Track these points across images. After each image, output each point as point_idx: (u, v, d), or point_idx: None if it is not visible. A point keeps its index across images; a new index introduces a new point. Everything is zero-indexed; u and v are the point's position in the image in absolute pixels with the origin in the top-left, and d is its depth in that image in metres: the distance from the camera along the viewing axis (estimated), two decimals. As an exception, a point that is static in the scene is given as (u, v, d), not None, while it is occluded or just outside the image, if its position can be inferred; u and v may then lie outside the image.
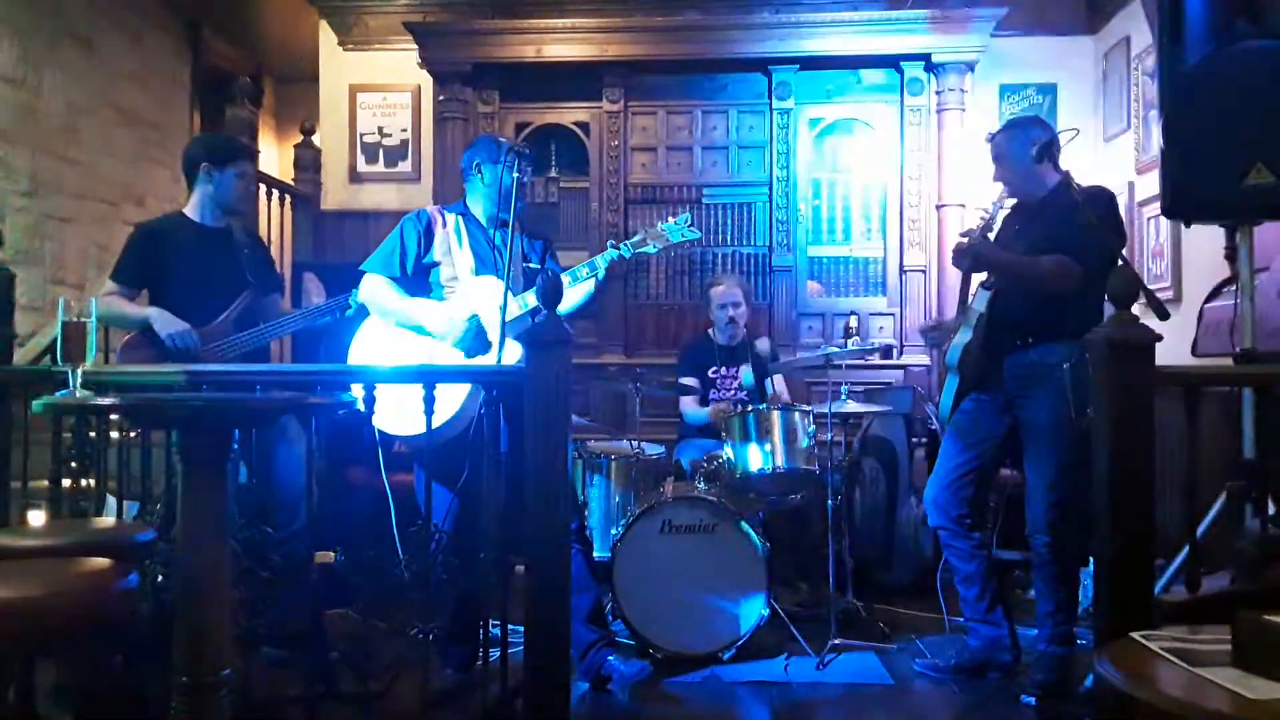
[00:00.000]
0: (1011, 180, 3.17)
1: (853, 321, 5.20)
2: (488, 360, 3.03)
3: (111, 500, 2.85)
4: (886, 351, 5.21)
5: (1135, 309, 2.45)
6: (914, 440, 4.79)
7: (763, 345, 4.40)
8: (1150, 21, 2.97)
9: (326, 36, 6.21)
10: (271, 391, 2.60)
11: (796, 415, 3.71)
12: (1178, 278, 4.66)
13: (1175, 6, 2.84)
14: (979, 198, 5.04)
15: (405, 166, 6.14)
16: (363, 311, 3.29)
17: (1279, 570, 2.44)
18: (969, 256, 3.09)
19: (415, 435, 2.82)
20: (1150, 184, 4.68)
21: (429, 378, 2.61)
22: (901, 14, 5.27)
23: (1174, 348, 3.25)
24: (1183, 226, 4.24)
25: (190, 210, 3.47)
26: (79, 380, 2.21)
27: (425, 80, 5.74)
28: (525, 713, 2.47)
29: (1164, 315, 2.70)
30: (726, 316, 4.38)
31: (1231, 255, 3.11)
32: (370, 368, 3.09)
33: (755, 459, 3.62)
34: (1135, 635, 1.53)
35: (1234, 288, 3.08)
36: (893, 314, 5.35)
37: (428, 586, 2.52)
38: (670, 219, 3.36)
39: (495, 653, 2.59)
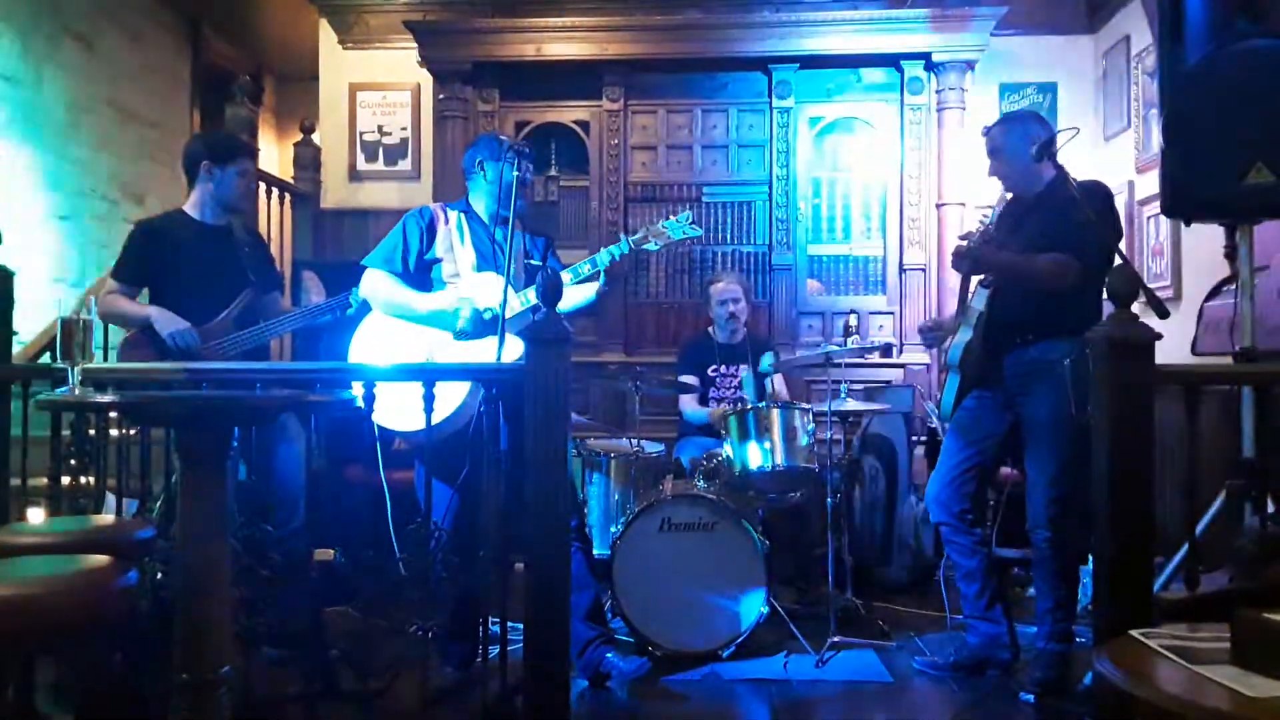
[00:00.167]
0: (1008, 175, 3.16)
1: (852, 320, 5.18)
2: (489, 353, 3.02)
3: (111, 498, 2.85)
4: (886, 350, 5.21)
5: (1135, 307, 2.45)
6: (913, 438, 4.79)
7: (768, 360, 4.40)
8: (1150, 20, 2.97)
9: (326, 35, 6.21)
10: (271, 389, 2.60)
11: (796, 413, 3.71)
12: (1178, 276, 4.66)
13: (1175, 6, 2.84)
14: (979, 197, 5.05)
15: (405, 165, 6.14)
16: (364, 309, 3.30)
17: (1278, 569, 2.44)
18: (968, 260, 3.09)
19: (416, 431, 2.82)
20: (1150, 183, 4.68)
21: (429, 375, 2.61)
22: (902, 13, 5.27)
23: (1174, 347, 3.25)
24: (1182, 225, 4.25)
25: (190, 208, 3.47)
26: (78, 378, 2.21)
27: (425, 79, 5.73)
28: (525, 710, 2.47)
29: (1164, 314, 2.71)
30: (726, 313, 4.39)
31: (1231, 254, 3.11)
32: (370, 366, 3.09)
33: (755, 457, 3.62)
34: (1134, 633, 1.53)
35: (1234, 286, 3.08)
36: (892, 312, 5.35)
37: (427, 584, 2.52)
38: (671, 217, 3.36)
39: (495, 650, 2.59)
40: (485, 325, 3.09)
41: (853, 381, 4.12)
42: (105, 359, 4.19)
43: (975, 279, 3.20)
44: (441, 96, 5.51)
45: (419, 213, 3.27)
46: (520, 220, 3.20)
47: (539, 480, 2.47)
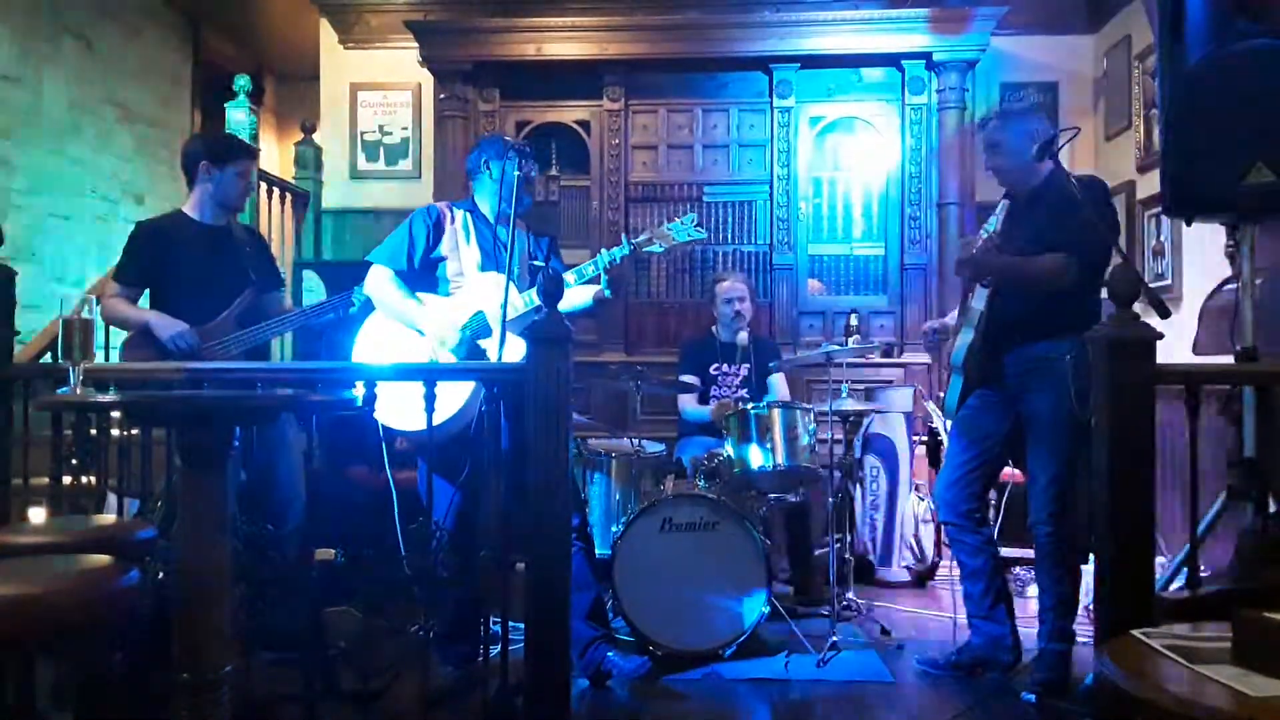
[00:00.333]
0: (1006, 170, 3.15)
1: (853, 320, 5.20)
2: (489, 355, 3.03)
3: (112, 497, 2.86)
4: (887, 350, 5.21)
5: (1136, 307, 2.45)
6: (914, 438, 4.79)
7: (777, 378, 4.41)
8: (1151, 20, 2.96)
9: (327, 34, 6.20)
10: (272, 389, 2.60)
11: (797, 413, 3.71)
12: (1179, 276, 4.66)
13: (1176, 5, 2.84)
14: (979, 197, 5.05)
15: (406, 165, 6.14)
16: (367, 307, 3.30)
17: (1279, 569, 2.44)
18: (969, 268, 3.08)
19: (418, 430, 2.82)
20: (1151, 182, 4.68)
21: (430, 375, 2.61)
22: (902, 13, 5.26)
23: (1174, 346, 3.25)
24: (1183, 225, 4.24)
25: (190, 209, 3.47)
26: (79, 377, 2.21)
27: (426, 78, 5.74)
28: (526, 710, 2.47)
29: (1165, 314, 2.71)
30: (732, 311, 4.39)
31: (1232, 254, 3.10)
32: (371, 365, 3.10)
33: (756, 457, 3.62)
34: (1136, 633, 1.53)
35: (1235, 286, 3.07)
36: (893, 312, 5.35)
37: (428, 584, 2.52)
38: (676, 218, 3.35)
39: (495, 650, 2.59)
40: (479, 351, 3.10)
41: (854, 381, 4.11)
42: (106, 359, 4.20)
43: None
44: (442, 96, 5.51)
45: (426, 211, 3.28)
46: (524, 220, 3.21)
47: (540, 480, 2.47)
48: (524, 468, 2.49)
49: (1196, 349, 3.78)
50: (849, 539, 3.88)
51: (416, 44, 5.50)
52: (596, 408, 5.19)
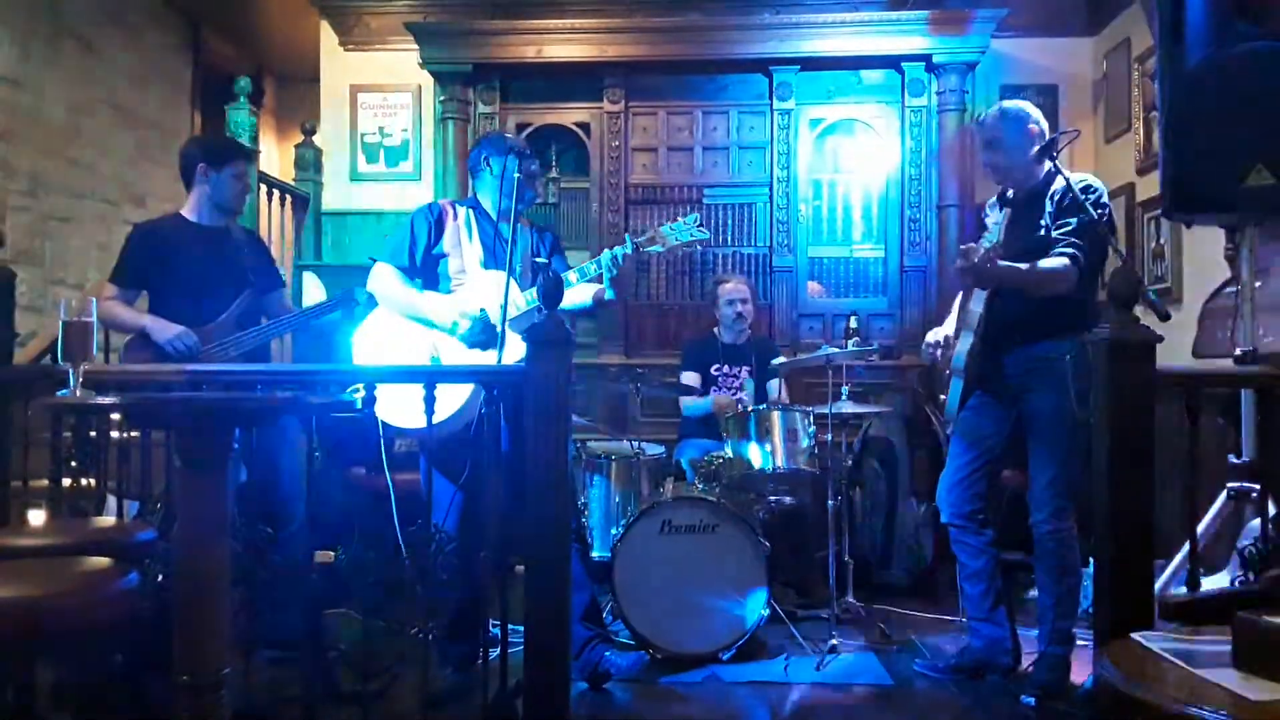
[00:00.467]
0: (1004, 168, 3.14)
1: (853, 322, 5.20)
2: (493, 351, 3.02)
3: (112, 499, 2.85)
4: (887, 352, 5.21)
5: (1135, 309, 2.45)
6: (914, 441, 4.79)
7: (776, 380, 4.42)
8: (1151, 22, 2.96)
9: (327, 36, 6.21)
10: (272, 391, 2.59)
11: (797, 416, 3.71)
12: (1178, 278, 4.66)
13: (1176, 8, 2.84)
14: (979, 199, 5.05)
15: (406, 166, 6.14)
16: (370, 304, 3.29)
17: (1279, 570, 2.44)
18: (970, 277, 3.06)
19: (419, 429, 2.81)
20: (1151, 185, 4.68)
21: (430, 377, 2.60)
22: (902, 15, 5.27)
23: (1174, 348, 3.25)
24: (1183, 227, 4.24)
25: (188, 211, 3.48)
26: (79, 380, 2.21)
27: (426, 80, 5.74)
28: (525, 712, 2.47)
29: (1164, 316, 2.71)
30: (734, 313, 4.39)
31: (1232, 256, 3.11)
32: (371, 367, 3.10)
33: (755, 459, 3.62)
34: (1135, 636, 1.53)
35: (1234, 289, 3.07)
36: (893, 315, 5.35)
37: (428, 585, 2.52)
38: (679, 218, 3.34)
39: (495, 652, 2.59)
40: (488, 335, 3.08)
41: (853, 384, 4.11)
42: (106, 361, 4.20)
43: None
44: (442, 98, 5.51)
45: (428, 208, 3.27)
46: (528, 218, 3.21)
47: (539, 482, 2.47)
48: (523, 470, 2.49)
49: (1196, 351, 3.78)
50: (848, 542, 3.88)
51: (416, 46, 5.51)
52: (596, 410, 5.19)
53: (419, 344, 3.13)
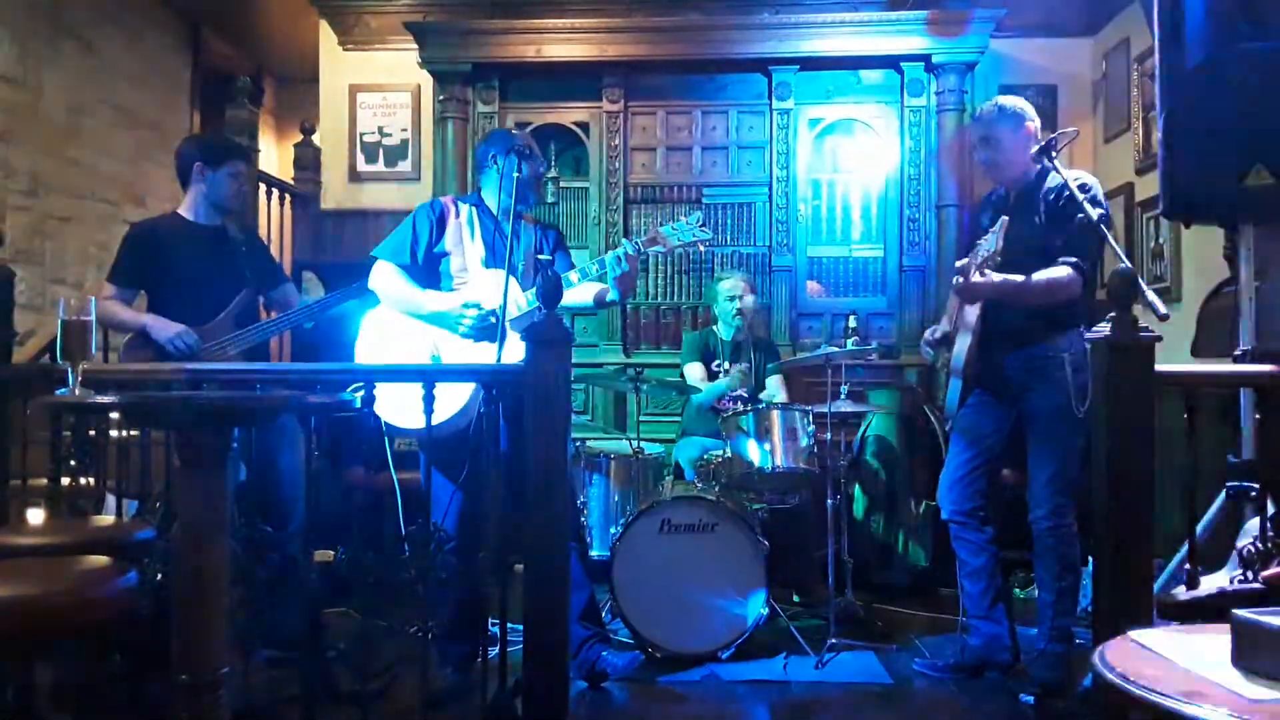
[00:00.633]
0: (1001, 166, 3.13)
1: (852, 321, 5.19)
2: (493, 350, 3.00)
3: (111, 498, 2.85)
4: (886, 351, 5.21)
5: (1135, 309, 2.45)
6: (913, 440, 4.79)
7: (775, 379, 4.41)
8: (1150, 23, 2.96)
9: (327, 36, 6.21)
10: (271, 390, 2.59)
11: (796, 415, 3.71)
12: (1178, 278, 4.67)
13: (1175, 8, 2.84)
14: (978, 198, 5.04)
15: (405, 166, 6.14)
16: (372, 301, 3.28)
17: (1278, 570, 2.44)
18: (966, 295, 3.05)
19: (419, 429, 2.81)
20: (1150, 185, 4.68)
21: (430, 376, 2.60)
22: (901, 15, 5.26)
23: (1174, 348, 3.25)
24: (1182, 227, 4.24)
25: (185, 210, 3.48)
26: (78, 379, 2.21)
27: (425, 80, 5.73)
28: (525, 712, 2.47)
29: (1163, 316, 2.70)
30: (734, 309, 4.39)
31: (1231, 256, 3.11)
32: (371, 366, 3.09)
33: (755, 458, 3.62)
34: (1134, 634, 1.53)
35: (1234, 289, 3.07)
36: (892, 314, 5.35)
37: (428, 585, 2.52)
38: (682, 218, 3.32)
39: (494, 651, 2.59)
40: (491, 329, 3.07)
41: (853, 383, 4.11)
42: (105, 360, 4.20)
43: None
44: (441, 98, 5.51)
45: (430, 205, 3.25)
46: (533, 215, 3.21)
47: (539, 481, 2.47)
48: (523, 469, 2.49)
49: (1195, 351, 3.78)
50: (847, 541, 3.88)
51: (416, 45, 5.50)
52: (595, 408, 5.20)
53: (420, 343, 3.12)
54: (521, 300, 3.06)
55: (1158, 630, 1.55)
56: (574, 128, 5.52)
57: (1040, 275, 2.93)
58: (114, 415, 2.78)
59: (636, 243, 3.19)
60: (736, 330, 4.45)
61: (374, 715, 2.58)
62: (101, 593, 1.81)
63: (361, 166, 6.16)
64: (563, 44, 5.38)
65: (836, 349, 3.79)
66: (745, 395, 4.30)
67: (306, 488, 2.90)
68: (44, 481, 2.89)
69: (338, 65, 6.18)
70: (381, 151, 6.15)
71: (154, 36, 6.58)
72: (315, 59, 6.26)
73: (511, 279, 3.02)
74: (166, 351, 3.25)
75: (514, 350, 2.90)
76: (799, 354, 5.00)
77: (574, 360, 2.61)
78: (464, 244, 3.19)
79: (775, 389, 4.41)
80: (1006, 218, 2.99)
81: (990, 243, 2.97)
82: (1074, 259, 2.91)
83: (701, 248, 3.32)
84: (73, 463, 2.85)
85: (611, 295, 3.19)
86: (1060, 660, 3.01)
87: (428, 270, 3.20)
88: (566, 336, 2.52)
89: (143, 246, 3.40)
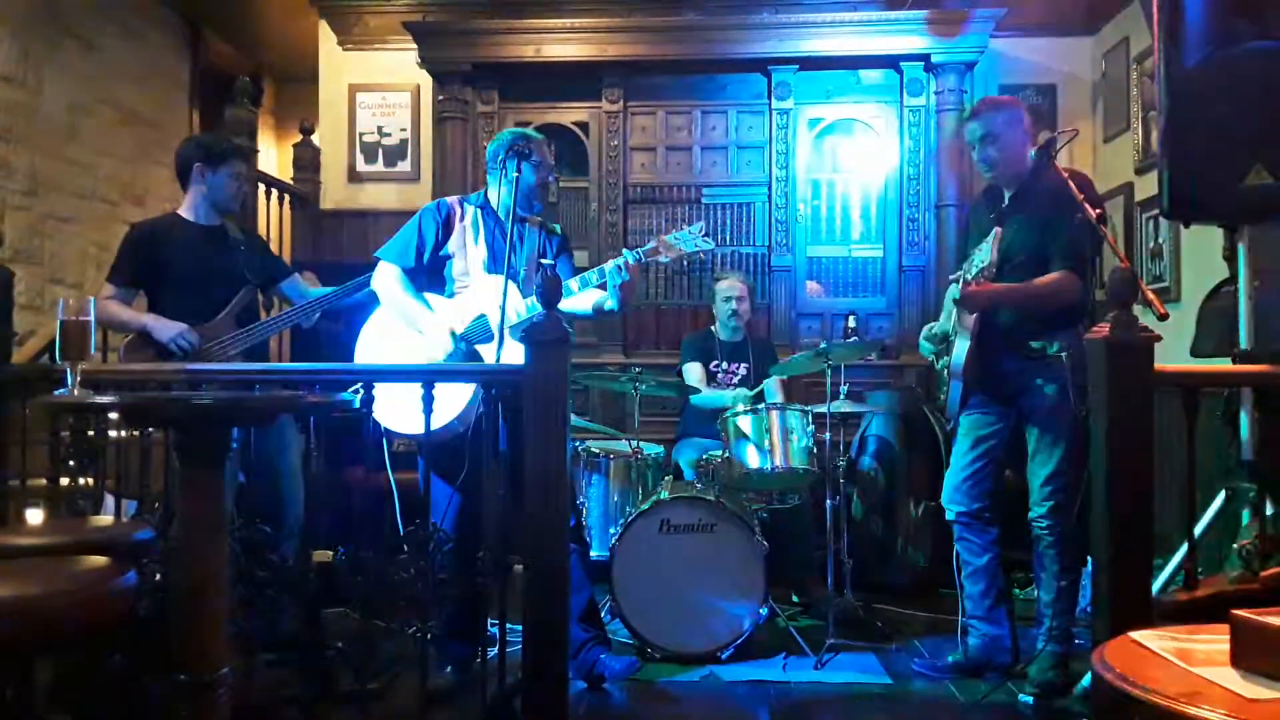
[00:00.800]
0: (1000, 163, 3.12)
1: (852, 321, 5.21)
2: (493, 354, 3.00)
3: (110, 499, 2.85)
4: (885, 351, 5.21)
5: (1134, 308, 2.45)
6: (913, 440, 4.78)
7: (773, 380, 4.41)
8: (1149, 22, 2.95)
9: (326, 36, 6.21)
10: (271, 390, 2.59)
11: (795, 415, 3.71)
12: (1177, 278, 4.67)
13: (1174, 7, 2.84)
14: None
15: (404, 166, 6.14)
16: (373, 300, 3.28)
17: (1277, 570, 2.44)
18: (968, 305, 3.05)
19: (417, 434, 2.80)
20: (1149, 184, 4.68)
21: (429, 377, 2.60)
22: (901, 14, 5.27)
23: (1173, 348, 3.25)
24: (1181, 227, 4.24)
25: (185, 210, 3.48)
26: (77, 379, 2.21)
27: (425, 80, 5.74)
28: (524, 712, 2.47)
29: (1162, 316, 2.70)
30: (730, 309, 4.39)
31: (1230, 256, 3.11)
32: (370, 366, 3.09)
33: (754, 458, 3.62)
34: (1133, 635, 1.53)
35: (1233, 288, 3.07)
36: (892, 314, 5.36)
37: (427, 585, 2.52)
38: (683, 226, 3.32)
39: (494, 651, 2.58)
40: (475, 355, 3.07)
41: (852, 383, 4.11)
42: (105, 360, 4.20)
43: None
44: (441, 98, 5.51)
45: (436, 207, 3.23)
46: (539, 218, 3.21)
47: (538, 482, 2.47)
48: (522, 470, 2.49)
49: (1195, 350, 3.78)
50: (847, 541, 3.88)
51: (415, 45, 5.51)
52: (595, 409, 5.19)
53: (420, 346, 3.10)
54: (521, 307, 3.04)
55: (1157, 630, 1.55)
56: (573, 128, 5.53)
57: (1040, 281, 2.94)
58: (113, 415, 2.78)
59: (639, 253, 3.18)
60: (733, 331, 4.45)
61: (373, 715, 2.58)
62: (101, 593, 1.81)
63: (361, 167, 6.15)
64: (562, 44, 5.38)
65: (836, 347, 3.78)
66: (742, 378, 4.31)
67: (306, 488, 2.89)
68: (43, 482, 2.88)
69: (337, 65, 6.18)
70: (381, 151, 6.14)
71: (154, 36, 6.58)
72: (315, 59, 6.26)
73: (512, 284, 3.01)
74: (167, 351, 3.25)
75: (513, 356, 2.90)
76: (798, 354, 4.99)
77: (574, 360, 2.61)
78: (467, 247, 3.16)
79: (773, 390, 4.40)
80: (999, 229, 2.99)
81: (984, 254, 2.96)
82: (1071, 262, 2.91)
83: (702, 255, 3.32)
84: (71, 463, 2.85)
85: (611, 304, 3.18)
86: (1060, 660, 3.01)
87: (431, 273, 3.18)
88: (566, 336, 2.52)
89: (143, 247, 3.40)
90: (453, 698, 2.95)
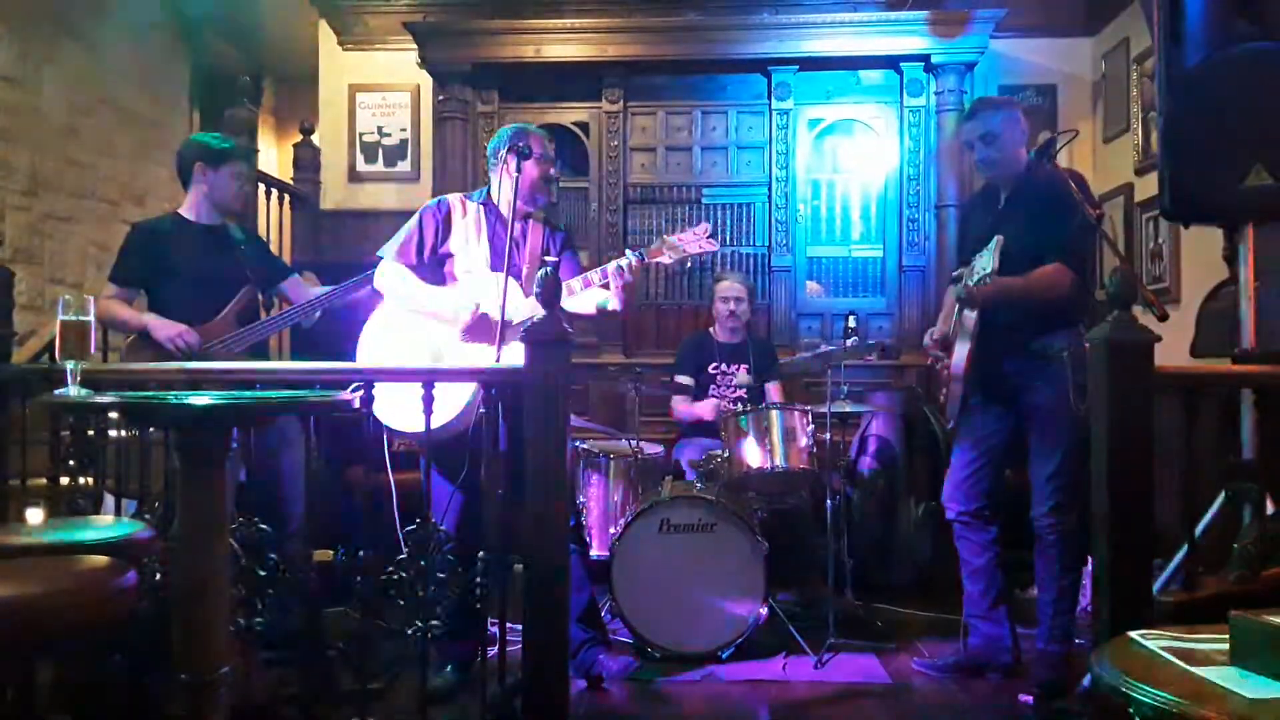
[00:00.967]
0: (999, 163, 3.12)
1: (852, 321, 5.19)
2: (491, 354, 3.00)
3: (110, 498, 2.85)
4: (885, 351, 5.20)
5: (1134, 309, 2.45)
6: (913, 440, 4.79)
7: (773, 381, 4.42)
8: (1149, 23, 2.96)
9: (326, 36, 6.21)
10: (271, 390, 2.59)
11: (795, 415, 3.71)
12: (1177, 278, 4.67)
13: (1175, 8, 2.84)
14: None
15: (404, 166, 6.14)
16: (373, 298, 3.28)
17: (1278, 570, 2.44)
18: (968, 306, 3.05)
19: (418, 433, 2.80)
20: (1150, 185, 4.68)
21: (429, 377, 2.60)
22: (901, 15, 5.27)
23: (1173, 348, 3.25)
24: (1181, 227, 4.24)
25: (186, 210, 3.48)
26: (77, 378, 2.21)
27: (425, 80, 5.74)
28: (524, 711, 2.47)
29: (1163, 316, 2.70)
30: (728, 310, 4.39)
31: (1230, 256, 3.11)
32: (370, 366, 3.08)
33: (754, 458, 3.62)
34: (1133, 634, 1.53)
35: (1233, 288, 3.07)
36: (892, 314, 5.35)
37: (427, 585, 2.51)
38: (688, 228, 3.31)
39: (494, 651, 2.58)
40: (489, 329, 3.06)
41: (852, 383, 4.11)
42: (105, 360, 4.20)
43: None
44: (441, 98, 5.51)
45: (436, 205, 3.21)
46: (544, 215, 3.20)
47: (539, 481, 2.47)
48: (522, 470, 2.49)
49: (1195, 351, 3.78)
50: (847, 541, 3.88)
51: (415, 45, 5.51)
52: (595, 409, 5.19)
53: (421, 346, 3.10)
54: (523, 309, 3.03)
55: (1157, 630, 1.55)
56: (573, 128, 5.52)
57: (1033, 274, 2.94)
58: (113, 415, 2.78)
59: (641, 254, 3.18)
60: (731, 332, 4.45)
61: (373, 715, 2.57)
62: (100, 593, 1.81)
63: (361, 166, 6.16)
64: (562, 44, 5.38)
65: (836, 349, 3.78)
66: (745, 396, 4.31)
67: (306, 487, 2.89)
68: (43, 481, 2.88)
69: (337, 65, 6.18)
70: (381, 151, 6.15)
71: (154, 36, 6.58)
72: (315, 59, 6.26)
73: (513, 282, 3.00)
74: (167, 351, 3.25)
75: (514, 356, 2.89)
76: (798, 354, 4.99)
77: (574, 360, 2.61)
78: (468, 245, 3.15)
79: (771, 391, 4.40)
80: (1001, 237, 2.98)
81: (986, 261, 2.96)
82: (1065, 257, 2.92)
83: (703, 256, 3.31)
84: (71, 463, 2.85)
85: (613, 304, 3.18)
86: (1060, 660, 3.01)
87: (433, 271, 3.17)
88: (566, 336, 2.51)
89: (143, 246, 3.40)
90: (453, 698, 2.95)
